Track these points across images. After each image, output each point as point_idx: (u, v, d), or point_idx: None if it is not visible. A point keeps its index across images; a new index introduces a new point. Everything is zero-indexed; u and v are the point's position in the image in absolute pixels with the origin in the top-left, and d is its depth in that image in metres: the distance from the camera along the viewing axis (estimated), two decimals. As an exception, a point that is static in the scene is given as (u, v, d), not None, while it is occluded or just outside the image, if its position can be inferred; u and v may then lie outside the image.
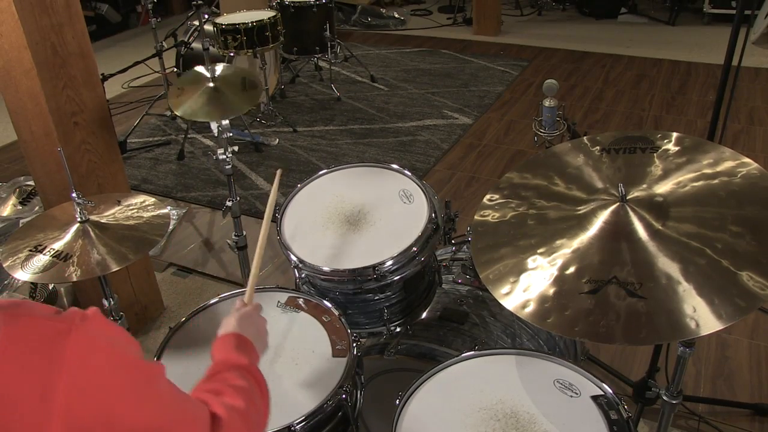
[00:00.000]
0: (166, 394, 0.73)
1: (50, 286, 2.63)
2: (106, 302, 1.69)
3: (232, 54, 3.70)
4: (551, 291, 1.11)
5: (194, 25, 4.08)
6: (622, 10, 6.18)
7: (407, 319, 1.62)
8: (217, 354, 1.01)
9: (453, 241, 1.86)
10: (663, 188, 1.22)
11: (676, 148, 1.29)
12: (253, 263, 1.24)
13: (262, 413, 0.93)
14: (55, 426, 0.61)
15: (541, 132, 1.72)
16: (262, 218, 1.31)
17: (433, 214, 1.55)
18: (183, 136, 4.02)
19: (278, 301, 1.49)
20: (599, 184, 1.28)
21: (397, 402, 1.23)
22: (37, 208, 3.06)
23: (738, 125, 3.93)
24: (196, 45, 4.03)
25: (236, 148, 2.13)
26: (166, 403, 0.72)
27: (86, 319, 0.67)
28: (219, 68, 2.25)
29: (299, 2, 4.17)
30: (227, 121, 2.07)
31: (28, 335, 0.63)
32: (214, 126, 2.06)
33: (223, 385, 0.89)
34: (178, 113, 2.11)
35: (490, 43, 5.72)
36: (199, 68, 2.27)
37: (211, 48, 3.82)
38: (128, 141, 4.07)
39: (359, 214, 1.60)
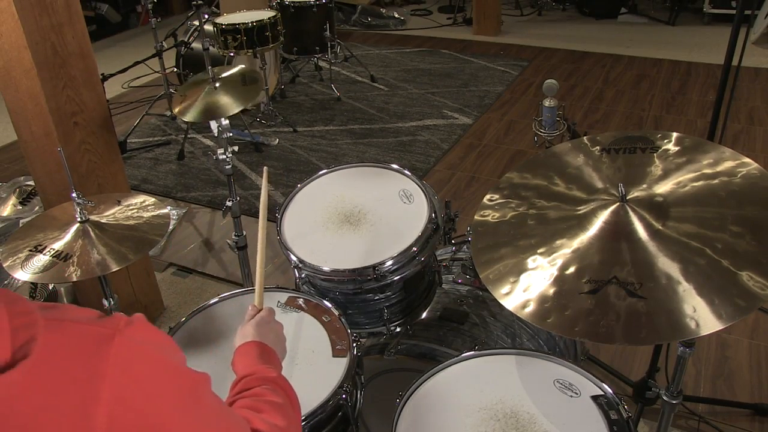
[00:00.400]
0: (210, 406, 0.70)
1: (50, 286, 2.63)
2: (106, 302, 1.69)
3: (232, 54, 3.70)
4: (551, 291, 1.11)
5: (194, 25, 4.09)
6: (622, 10, 6.18)
7: (407, 319, 1.62)
8: (241, 366, 0.98)
9: (453, 241, 1.86)
10: (663, 188, 1.22)
11: (676, 148, 1.29)
12: (257, 266, 1.22)
13: (298, 428, 0.92)
14: None
15: (541, 132, 1.72)
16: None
17: (433, 214, 1.55)
18: (183, 136, 4.02)
19: (278, 301, 1.49)
20: (599, 184, 1.28)
21: (397, 402, 1.23)
22: (37, 208, 3.06)
23: (738, 125, 3.93)
24: (196, 45, 4.03)
25: (236, 148, 2.13)
26: (210, 414, 0.70)
27: (131, 324, 0.64)
28: (222, 74, 2.26)
29: (299, 2, 4.18)
30: (227, 121, 2.06)
31: (69, 341, 0.60)
32: (214, 126, 2.06)
33: (260, 402, 0.87)
34: (186, 119, 2.11)
35: (490, 43, 5.72)
36: (201, 73, 2.28)
37: (211, 48, 3.82)
38: (128, 141, 4.07)
39: (359, 214, 1.60)
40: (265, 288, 1.54)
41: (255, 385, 0.92)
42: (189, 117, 2.10)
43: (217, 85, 2.17)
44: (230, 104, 2.09)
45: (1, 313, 0.57)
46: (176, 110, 2.17)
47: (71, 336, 0.60)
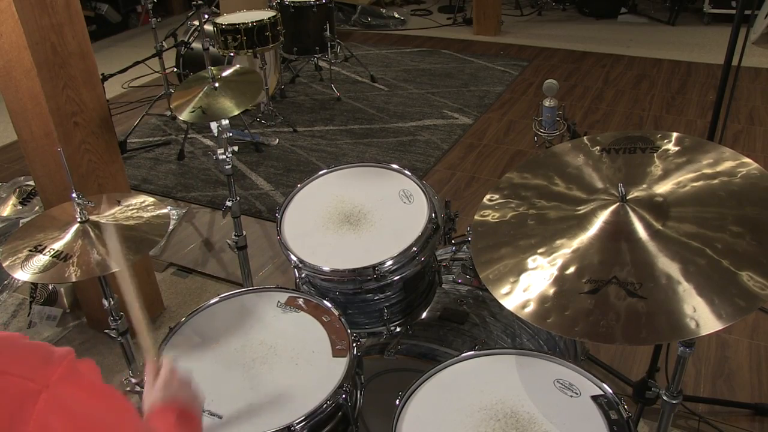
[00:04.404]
0: None
1: (50, 286, 2.63)
2: (106, 302, 1.69)
3: (232, 54, 3.70)
4: (551, 291, 1.11)
5: (194, 25, 4.09)
6: (622, 10, 6.18)
7: (407, 319, 1.62)
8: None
9: (453, 241, 1.86)
10: (663, 188, 1.22)
11: (676, 148, 1.29)
12: (137, 322, 1.06)
13: None
14: None
15: (541, 132, 1.72)
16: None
17: (433, 214, 1.55)
18: (183, 136, 4.02)
19: (278, 301, 1.49)
20: (599, 184, 1.28)
21: (397, 402, 1.23)
22: (37, 208, 3.06)
23: (738, 125, 3.93)
24: (196, 45, 4.03)
25: (236, 148, 2.13)
26: None
27: (64, 379, 0.62)
28: (223, 72, 2.25)
29: (299, 2, 4.18)
30: (227, 121, 2.07)
31: None
32: (214, 126, 2.06)
33: None
34: (184, 119, 2.10)
35: (490, 43, 5.72)
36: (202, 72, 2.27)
37: (211, 48, 3.82)
38: (128, 141, 4.07)
39: (359, 214, 1.60)
40: (265, 288, 1.55)
41: None
42: (188, 117, 2.09)
43: (217, 85, 2.17)
44: (231, 107, 2.09)
45: None
46: (174, 105, 2.16)
47: None
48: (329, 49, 4.35)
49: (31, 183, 3.14)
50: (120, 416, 0.68)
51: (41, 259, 1.48)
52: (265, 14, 3.75)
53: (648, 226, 1.15)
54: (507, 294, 1.15)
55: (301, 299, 1.49)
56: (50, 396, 0.60)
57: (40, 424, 0.59)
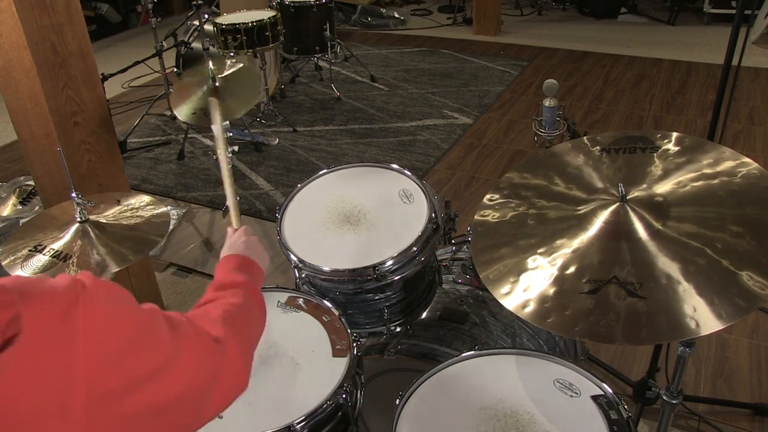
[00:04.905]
0: (164, 333, 0.75)
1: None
2: (106, 302, 1.69)
3: (232, 54, 3.70)
4: (551, 291, 1.11)
5: (194, 25, 4.09)
6: (622, 10, 6.18)
7: (407, 319, 1.62)
8: (217, 275, 1.05)
9: (453, 241, 1.86)
10: (663, 188, 1.22)
11: (676, 148, 1.29)
12: (228, 193, 1.27)
13: (256, 325, 0.99)
14: (79, 397, 0.62)
15: (541, 132, 1.72)
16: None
17: (433, 214, 1.55)
18: (183, 135, 4.02)
19: (278, 301, 1.49)
20: (599, 184, 1.28)
21: (397, 402, 1.23)
22: (37, 208, 3.06)
23: (738, 125, 3.93)
24: (196, 45, 4.03)
25: (236, 148, 2.14)
26: (166, 341, 0.75)
27: (86, 285, 0.68)
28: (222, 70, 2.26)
29: (299, 2, 4.18)
30: (227, 121, 2.07)
31: (46, 311, 0.63)
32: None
33: (216, 304, 0.94)
34: (179, 115, 2.10)
35: (490, 43, 5.72)
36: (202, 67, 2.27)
37: (211, 48, 3.82)
38: (128, 141, 4.07)
39: (359, 214, 1.60)
40: (265, 288, 1.54)
41: (220, 290, 0.99)
42: (189, 119, 2.10)
43: (216, 85, 2.17)
44: (231, 108, 2.09)
45: None
46: (172, 100, 2.17)
47: (45, 306, 0.64)
48: (329, 49, 4.35)
49: (31, 183, 3.14)
50: (130, 296, 0.76)
51: (41, 259, 1.48)
52: (265, 14, 3.75)
53: (648, 226, 1.15)
54: (507, 294, 1.15)
55: (301, 299, 1.49)
56: (86, 299, 0.66)
57: (88, 320, 0.65)
